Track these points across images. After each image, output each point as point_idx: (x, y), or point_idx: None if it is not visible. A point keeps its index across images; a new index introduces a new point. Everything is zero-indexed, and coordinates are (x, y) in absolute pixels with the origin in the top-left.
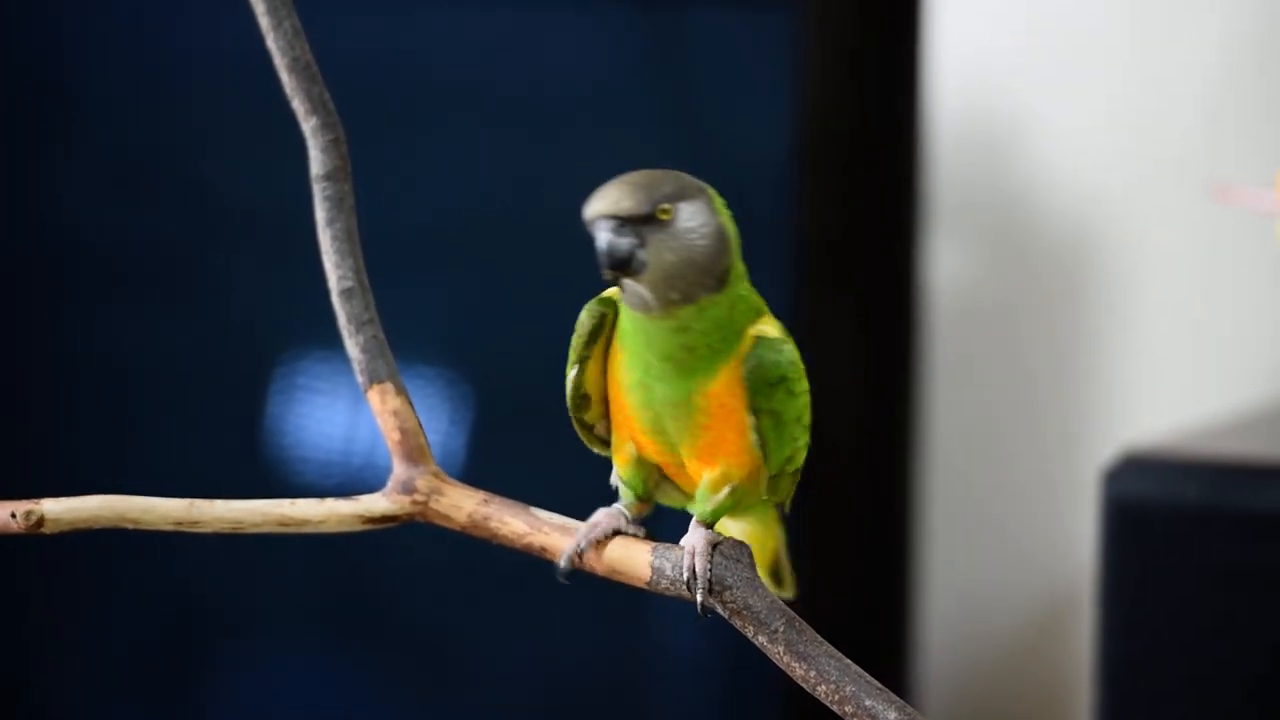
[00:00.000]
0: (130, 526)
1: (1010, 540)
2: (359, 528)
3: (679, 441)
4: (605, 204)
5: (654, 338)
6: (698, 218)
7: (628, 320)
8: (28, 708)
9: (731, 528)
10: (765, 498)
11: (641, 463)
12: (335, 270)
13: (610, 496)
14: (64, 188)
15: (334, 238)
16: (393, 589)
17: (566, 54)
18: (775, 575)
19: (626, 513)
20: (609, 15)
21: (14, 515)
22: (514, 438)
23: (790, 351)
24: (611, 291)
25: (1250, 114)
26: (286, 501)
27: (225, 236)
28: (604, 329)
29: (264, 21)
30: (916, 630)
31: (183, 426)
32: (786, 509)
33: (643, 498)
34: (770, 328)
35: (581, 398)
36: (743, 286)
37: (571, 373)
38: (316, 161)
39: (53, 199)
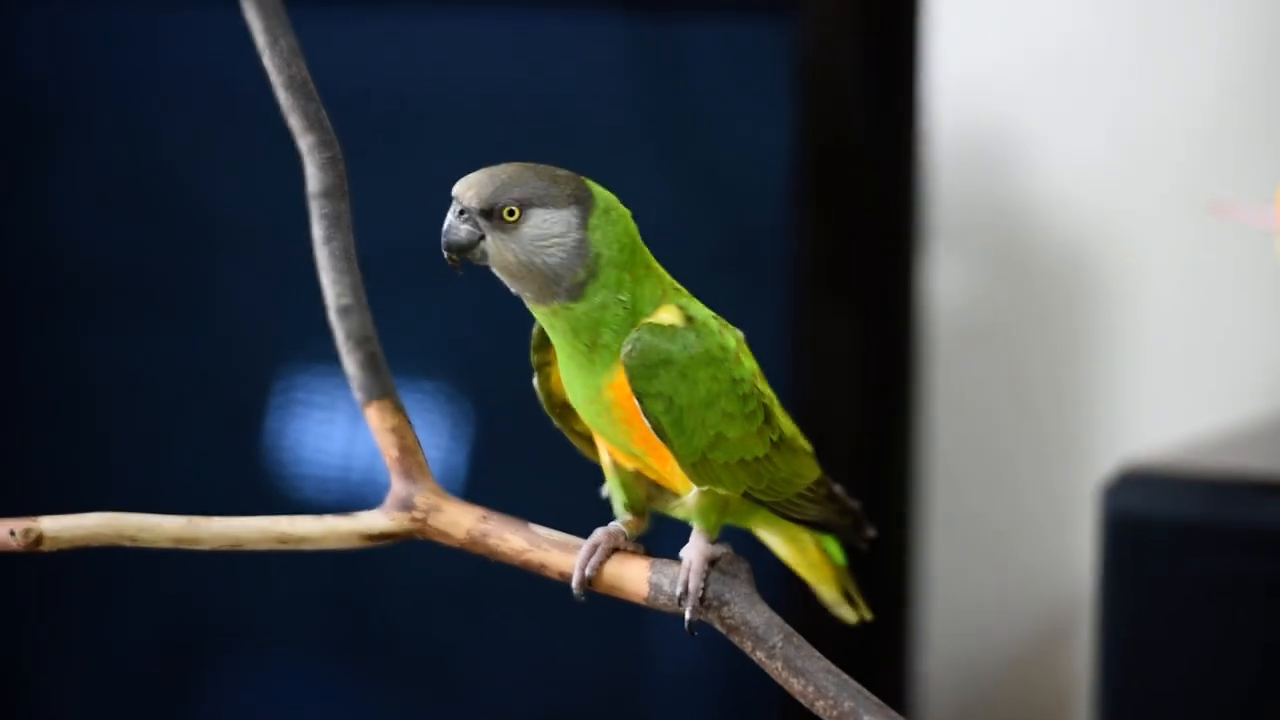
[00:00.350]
0: (129, 544)
1: (1010, 555)
2: (358, 545)
3: (626, 440)
4: (459, 187)
5: (551, 329)
6: (551, 228)
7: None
8: None
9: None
10: (706, 488)
11: (619, 469)
12: (333, 288)
13: (607, 512)
14: (61, 204)
15: (331, 255)
16: (392, 603)
17: (564, 68)
18: (847, 596)
19: (624, 529)
20: (608, 29)
21: (13, 533)
22: (514, 454)
23: (690, 338)
24: None
25: (1250, 130)
26: (285, 519)
27: (223, 253)
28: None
29: (259, 40)
30: (916, 645)
31: (181, 443)
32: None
33: (634, 508)
34: (667, 315)
35: (562, 406)
36: (621, 292)
37: (534, 381)
38: (313, 179)
39: (49, 216)
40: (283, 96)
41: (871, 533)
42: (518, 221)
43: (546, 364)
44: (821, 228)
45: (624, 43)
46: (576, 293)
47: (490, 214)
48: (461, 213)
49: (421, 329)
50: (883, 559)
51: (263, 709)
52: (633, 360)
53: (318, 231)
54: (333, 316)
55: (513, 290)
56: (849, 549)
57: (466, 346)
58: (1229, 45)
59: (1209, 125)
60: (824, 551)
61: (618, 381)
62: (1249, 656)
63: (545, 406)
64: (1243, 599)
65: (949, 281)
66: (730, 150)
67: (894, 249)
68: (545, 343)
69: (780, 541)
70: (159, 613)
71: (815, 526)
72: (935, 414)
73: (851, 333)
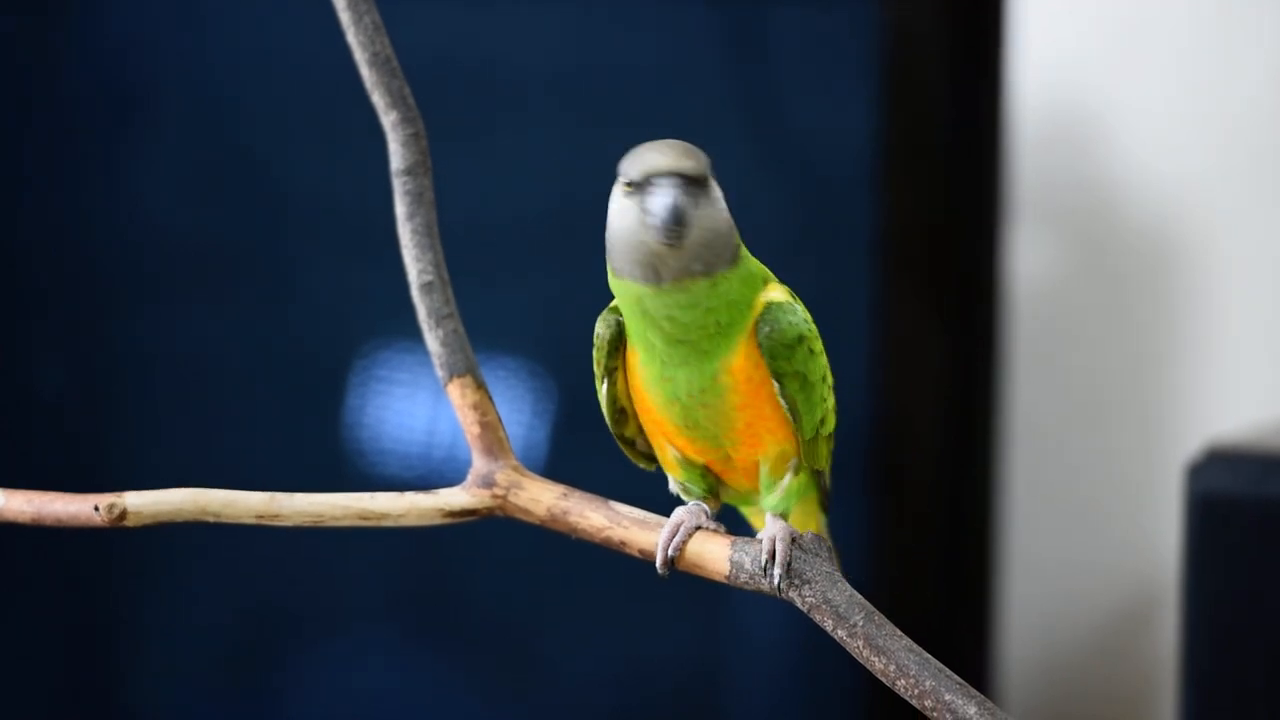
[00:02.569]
0: (212, 520)
1: (1094, 535)
2: (439, 521)
3: (719, 431)
4: (670, 160)
5: (662, 322)
6: (719, 193)
7: (632, 319)
8: (110, 705)
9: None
10: (805, 464)
11: (690, 463)
12: (415, 264)
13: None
14: (146, 186)
15: (414, 232)
16: (472, 583)
17: (647, 49)
18: None
19: (706, 508)
20: (690, 9)
21: (97, 508)
22: (596, 432)
23: (802, 312)
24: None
25: None
26: (367, 495)
27: (307, 231)
28: (622, 337)
29: (344, 17)
30: (998, 625)
31: (264, 420)
32: (827, 481)
33: (711, 493)
34: (778, 293)
35: (619, 412)
36: (749, 262)
37: (602, 388)
38: (396, 156)
39: (135, 197)
40: (366, 73)
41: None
42: (708, 187)
43: (615, 369)
44: (905, 210)
45: (708, 24)
46: (734, 257)
47: (702, 181)
48: (679, 184)
49: (504, 306)
50: (966, 540)
51: (343, 688)
52: (773, 340)
53: (401, 208)
54: (415, 293)
55: (676, 266)
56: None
57: (549, 323)
58: None
59: None
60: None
61: (737, 365)
62: None
63: (606, 412)
64: None
65: (1033, 263)
66: (816, 131)
67: (978, 231)
68: (615, 349)
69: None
70: (239, 594)
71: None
72: (1018, 395)
73: (934, 315)
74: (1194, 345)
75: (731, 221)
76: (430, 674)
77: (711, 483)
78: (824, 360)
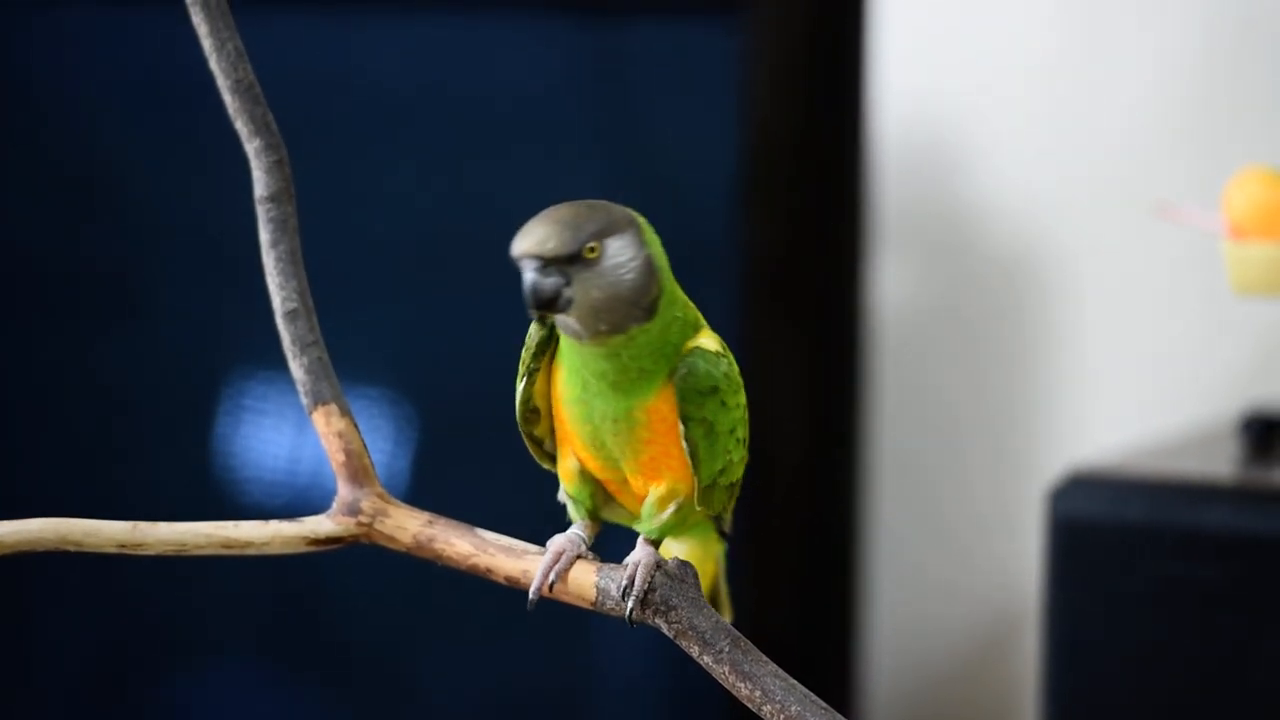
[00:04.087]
0: (73, 549)
1: (956, 558)
2: (304, 549)
3: (620, 457)
4: (530, 243)
5: (588, 361)
6: (625, 252)
7: (565, 339)
8: None
9: (674, 549)
10: (698, 509)
11: (585, 478)
12: (279, 292)
13: (555, 513)
14: (6, 208)
15: (278, 259)
16: (339, 610)
17: (510, 71)
18: (713, 599)
19: (585, 537)
20: (554, 30)
21: None
22: (458, 458)
23: (726, 365)
24: None
25: (1196, 132)
26: (231, 524)
27: (171, 257)
28: (552, 341)
29: (206, 44)
30: (863, 649)
31: (129, 448)
32: (727, 526)
33: (592, 514)
34: (709, 341)
35: (531, 411)
36: (677, 308)
37: (520, 385)
38: (260, 183)
39: None
40: (229, 100)
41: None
42: (598, 255)
43: (537, 370)
44: (767, 232)
45: (570, 45)
46: (651, 311)
47: (575, 258)
48: (544, 266)
49: (368, 334)
50: (829, 564)
51: (208, 717)
52: (688, 384)
53: (265, 235)
54: (280, 320)
55: (583, 333)
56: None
57: (411, 351)
58: (1170, 49)
59: (1153, 125)
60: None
61: (653, 404)
62: (1193, 659)
63: (519, 409)
64: (1187, 602)
65: (895, 286)
66: (676, 155)
67: (840, 254)
68: (543, 352)
69: (690, 547)
70: (102, 621)
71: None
72: (881, 420)
73: (798, 337)
74: (1054, 370)
75: (640, 279)
76: (300, 705)
77: (598, 503)
78: (738, 415)
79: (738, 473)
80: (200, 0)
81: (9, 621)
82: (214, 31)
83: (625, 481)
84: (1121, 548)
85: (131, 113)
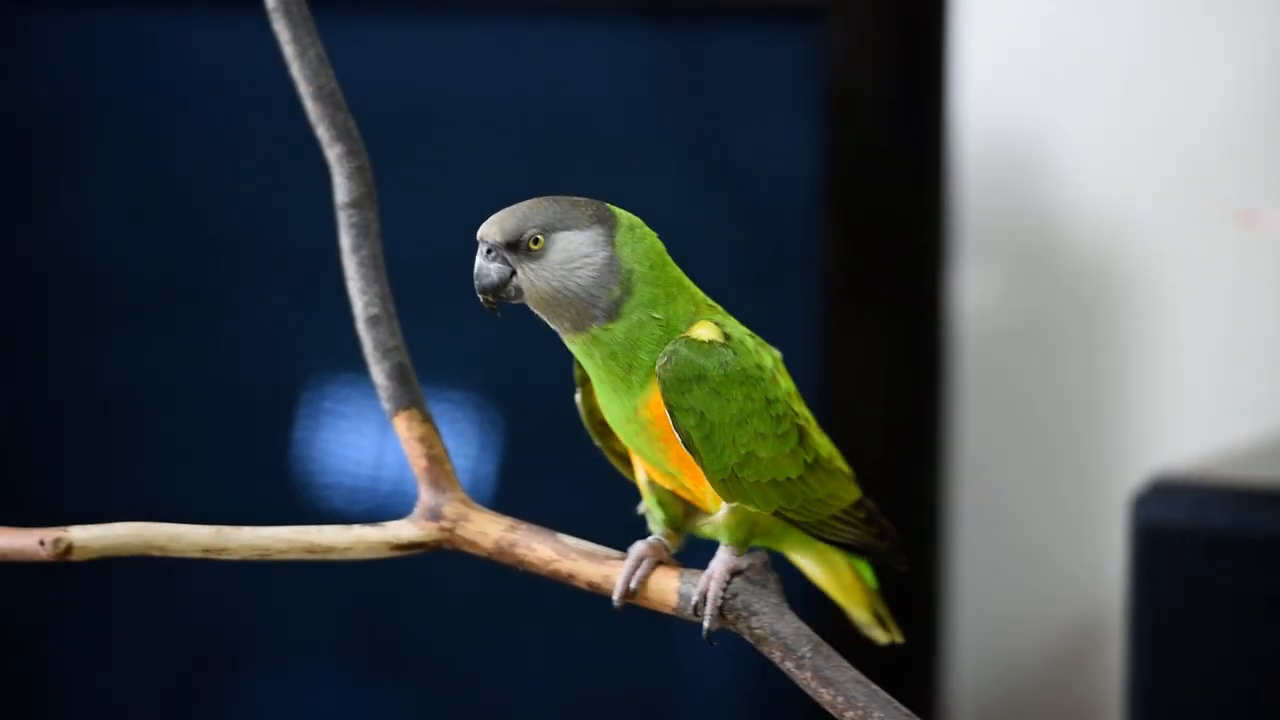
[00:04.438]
0: (158, 553)
1: (1040, 564)
2: (386, 554)
3: (663, 459)
4: (484, 228)
5: (585, 363)
6: (578, 249)
7: None
8: None
9: (810, 570)
10: (735, 505)
11: (654, 487)
12: (361, 297)
13: (636, 520)
14: (91, 217)
15: (359, 265)
16: (418, 614)
17: (592, 78)
18: (879, 619)
19: (667, 544)
20: (635, 39)
21: (42, 543)
22: (542, 463)
23: (727, 356)
24: None
25: (1279, 139)
26: (314, 529)
27: (254, 263)
28: None
29: (288, 50)
30: (946, 655)
31: (210, 453)
32: (875, 545)
33: (671, 524)
34: (703, 331)
35: (601, 424)
36: (655, 311)
37: (576, 398)
38: (341, 189)
39: (80, 228)
40: (311, 106)
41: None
42: (543, 248)
43: (587, 379)
44: (849, 239)
45: (651, 54)
46: (614, 312)
47: (516, 246)
48: (489, 252)
49: (450, 338)
50: (913, 570)
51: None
52: (666, 373)
53: (346, 241)
54: (361, 326)
55: (551, 324)
56: (881, 571)
57: (495, 355)
58: (1255, 57)
59: (1237, 130)
60: (857, 574)
61: (653, 400)
62: (1277, 665)
63: (586, 423)
64: (1271, 609)
65: (977, 291)
66: (757, 162)
67: (922, 259)
68: None
69: (813, 563)
70: (185, 624)
71: (850, 549)
72: (964, 425)
73: (880, 344)
74: (1139, 376)
75: (593, 279)
76: (375, 708)
77: (675, 514)
78: (751, 407)
79: (785, 469)
80: (282, 7)
81: (97, 624)
82: (296, 38)
83: (686, 489)
84: (1205, 554)
85: (213, 118)
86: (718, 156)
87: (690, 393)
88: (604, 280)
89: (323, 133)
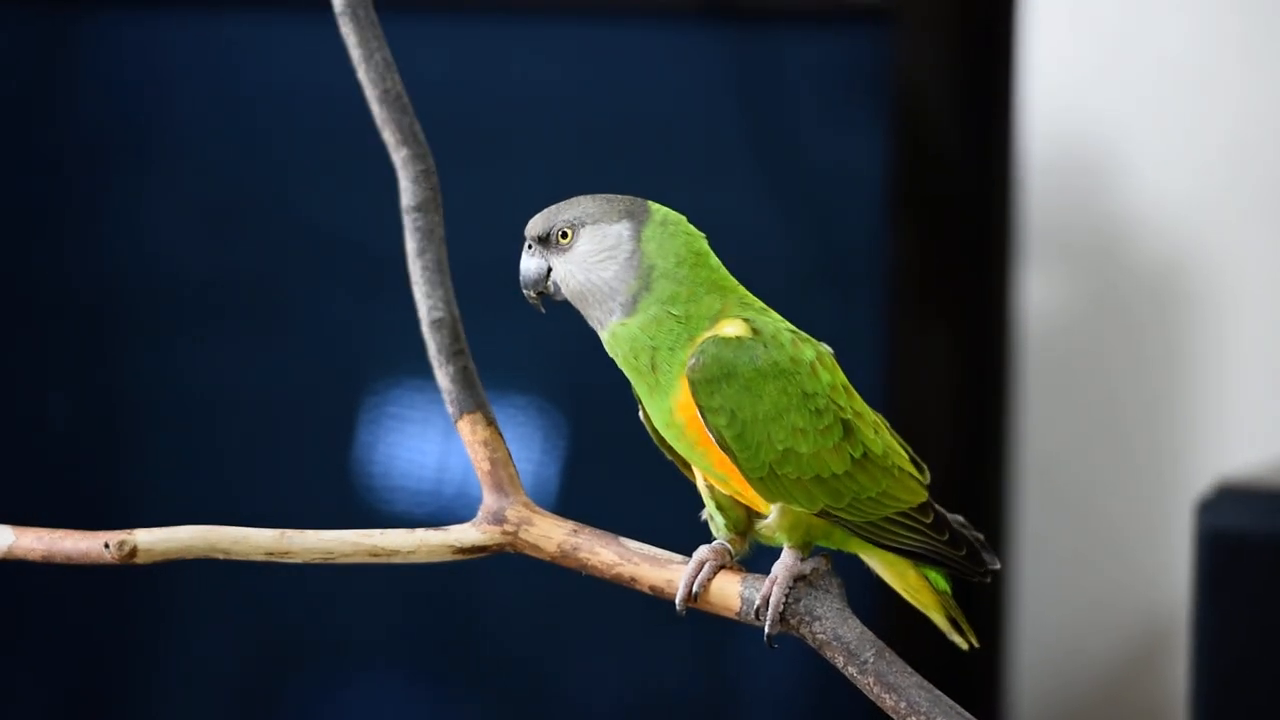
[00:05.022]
0: (222, 556)
1: (1104, 570)
2: (449, 558)
3: (707, 463)
4: (528, 225)
5: (615, 359)
6: (603, 243)
7: None
8: None
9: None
10: (783, 505)
11: (714, 491)
12: (425, 300)
13: (699, 524)
14: (158, 220)
15: (424, 268)
16: (483, 619)
17: (659, 80)
18: (951, 621)
19: (730, 548)
20: (703, 41)
21: (107, 545)
22: (606, 467)
23: (759, 351)
24: None
25: None
26: (377, 532)
27: (318, 268)
28: None
29: (355, 54)
30: (1009, 661)
31: (275, 456)
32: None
33: (735, 529)
34: (732, 328)
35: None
36: (675, 307)
37: (640, 412)
38: (407, 193)
39: (147, 231)
40: (376, 110)
41: (995, 564)
42: (570, 241)
43: None
44: (916, 242)
45: (720, 58)
46: (631, 307)
47: (547, 241)
48: (530, 248)
49: (514, 342)
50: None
51: None
52: (695, 374)
53: (411, 244)
54: (426, 329)
55: (590, 323)
56: (956, 577)
57: (559, 359)
58: None
59: None
60: (924, 577)
61: (684, 401)
62: None
63: (650, 432)
64: None
65: (1043, 295)
66: (825, 166)
67: (988, 262)
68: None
69: (879, 564)
70: (250, 627)
71: (911, 555)
72: (1028, 428)
73: (944, 347)
74: (1205, 381)
75: (613, 270)
76: (440, 711)
77: (735, 519)
78: (787, 401)
79: (829, 464)
80: (349, 11)
81: (156, 629)
82: (362, 42)
83: (739, 493)
84: (1271, 560)
85: (278, 124)
86: (786, 160)
87: (720, 392)
88: (624, 274)
89: (389, 136)
